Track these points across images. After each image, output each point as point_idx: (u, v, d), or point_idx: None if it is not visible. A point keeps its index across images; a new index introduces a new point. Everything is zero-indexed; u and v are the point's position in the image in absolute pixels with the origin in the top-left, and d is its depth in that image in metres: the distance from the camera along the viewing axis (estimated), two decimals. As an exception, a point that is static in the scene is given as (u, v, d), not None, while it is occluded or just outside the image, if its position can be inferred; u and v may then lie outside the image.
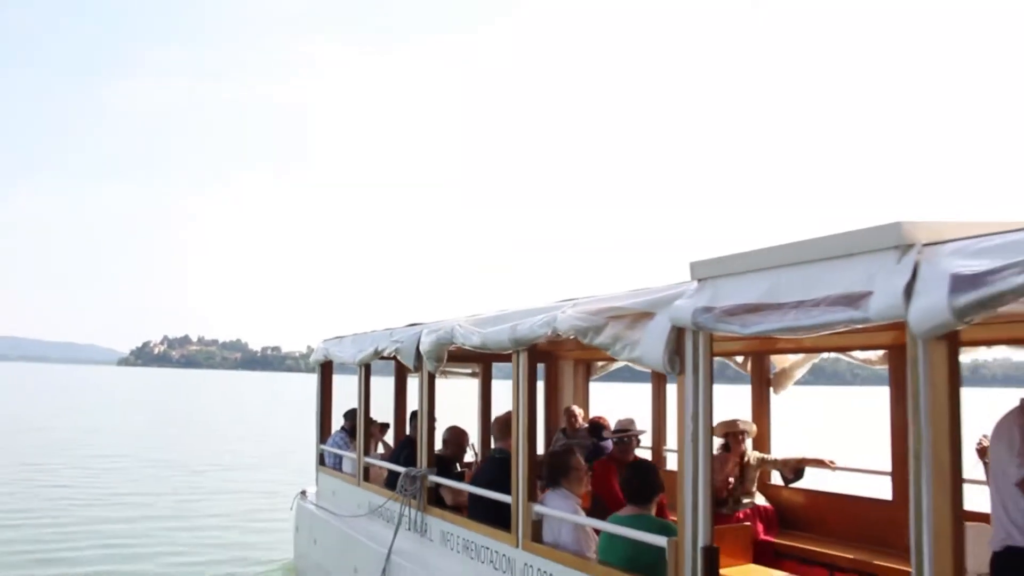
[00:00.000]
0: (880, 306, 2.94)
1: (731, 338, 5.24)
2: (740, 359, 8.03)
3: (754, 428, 7.62)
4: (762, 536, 6.92)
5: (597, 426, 8.45)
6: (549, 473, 5.49)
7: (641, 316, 4.21)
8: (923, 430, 2.91)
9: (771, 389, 7.82)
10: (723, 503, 7.18)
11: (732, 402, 7.70)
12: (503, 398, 6.72)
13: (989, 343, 5.36)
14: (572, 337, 4.76)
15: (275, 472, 21.20)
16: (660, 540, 4.15)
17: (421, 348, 6.72)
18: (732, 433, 7.44)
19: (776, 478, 7.63)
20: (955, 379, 2.87)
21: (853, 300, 3.06)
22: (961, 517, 2.86)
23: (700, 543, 3.90)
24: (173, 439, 31.35)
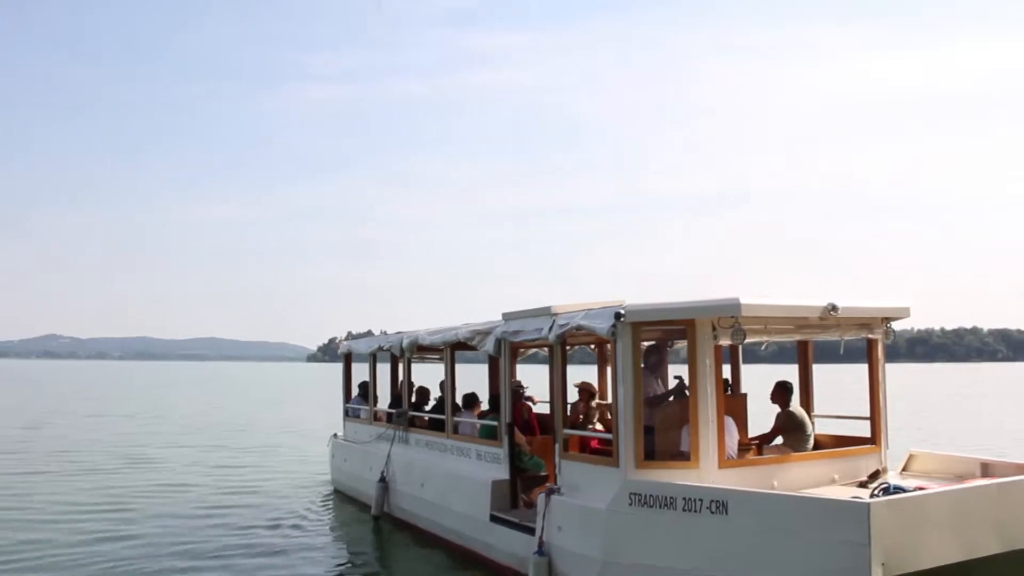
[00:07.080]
0: (544, 334, 9.03)
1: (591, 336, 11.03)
2: (592, 347, 14.05)
3: (596, 388, 13.62)
4: (594, 445, 12.94)
5: (519, 386, 14.60)
6: (464, 404, 11.66)
7: (487, 333, 10.38)
8: (556, 386, 9.04)
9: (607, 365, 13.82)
10: (576, 429, 13.16)
11: (586, 374, 13.72)
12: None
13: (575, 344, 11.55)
14: (465, 340, 10.88)
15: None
16: (494, 422, 10.30)
17: (403, 345, 12.81)
18: (584, 390, 13.42)
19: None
20: (564, 360, 9.03)
21: (541, 332, 9.16)
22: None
23: (505, 421, 10.03)
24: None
